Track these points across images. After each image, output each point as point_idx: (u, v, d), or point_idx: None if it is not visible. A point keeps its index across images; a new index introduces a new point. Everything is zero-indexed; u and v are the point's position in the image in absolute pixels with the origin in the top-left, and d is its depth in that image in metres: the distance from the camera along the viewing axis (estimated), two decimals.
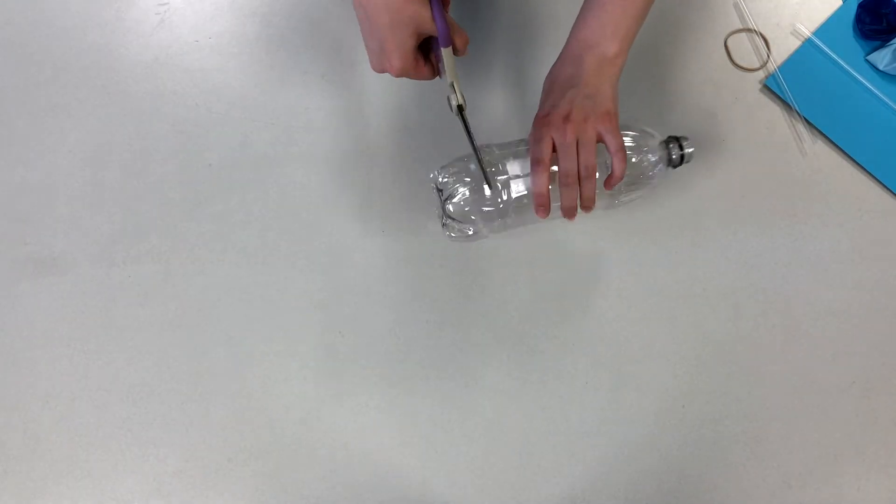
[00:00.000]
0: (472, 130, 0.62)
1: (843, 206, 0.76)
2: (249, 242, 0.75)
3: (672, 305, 0.73)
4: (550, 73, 0.64)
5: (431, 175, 0.68)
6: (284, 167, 0.77)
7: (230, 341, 0.72)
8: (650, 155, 0.67)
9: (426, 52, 0.61)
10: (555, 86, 0.62)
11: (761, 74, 0.81)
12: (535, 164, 0.62)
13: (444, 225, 0.67)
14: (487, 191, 0.64)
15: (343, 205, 0.76)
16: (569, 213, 0.64)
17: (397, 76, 0.59)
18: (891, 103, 0.79)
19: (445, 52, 0.58)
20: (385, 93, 0.78)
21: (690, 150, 0.67)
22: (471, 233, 0.68)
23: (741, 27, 0.83)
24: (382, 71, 0.60)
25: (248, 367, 0.71)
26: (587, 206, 0.63)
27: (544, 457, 0.68)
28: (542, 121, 0.62)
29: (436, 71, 0.62)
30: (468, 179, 0.66)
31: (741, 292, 0.73)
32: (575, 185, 0.62)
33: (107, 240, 0.75)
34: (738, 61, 0.81)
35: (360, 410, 0.69)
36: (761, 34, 0.82)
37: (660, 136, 0.68)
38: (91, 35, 0.82)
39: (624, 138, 0.66)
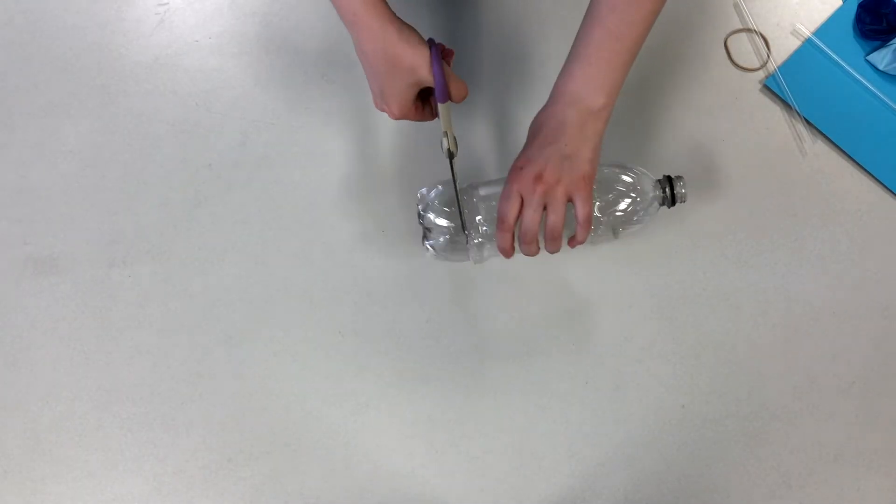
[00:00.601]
0: (458, 179, 0.63)
1: (843, 206, 0.76)
2: (249, 242, 0.75)
3: (672, 305, 0.73)
4: (535, 120, 0.62)
5: (418, 195, 0.68)
6: (284, 167, 0.77)
7: (230, 341, 0.72)
8: (644, 196, 0.67)
9: (427, 95, 0.63)
10: (536, 137, 0.61)
11: (761, 74, 0.81)
12: (500, 222, 0.61)
13: (424, 242, 0.68)
14: (464, 240, 0.65)
15: (343, 205, 0.76)
16: (530, 255, 0.64)
17: (396, 119, 0.62)
18: (891, 103, 0.79)
19: (442, 110, 0.61)
20: None
21: (683, 191, 0.67)
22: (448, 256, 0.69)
23: (741, 27, 0.83)
24: (383, 111, 0.62)
25: (248, 367, 0.71)
26: (553, 251, 0.63)
27: (544, 457, 0.68)
28: (515, 175, 0.60)
29: (436, 113, 0.64)
30: (444, 225, 0.66)
31: (741, 292, 0.73)
32: (534, 243, 0.61)
33: (107, 240, 0.75)
34: (738, 61, 0.81)
35: (360, 410, 0.69)
36: (761, 34, 0.82)
37: (653, 177, 0.68)
38: (91, 35, 0.82)
39: (623, 176, 0.66)
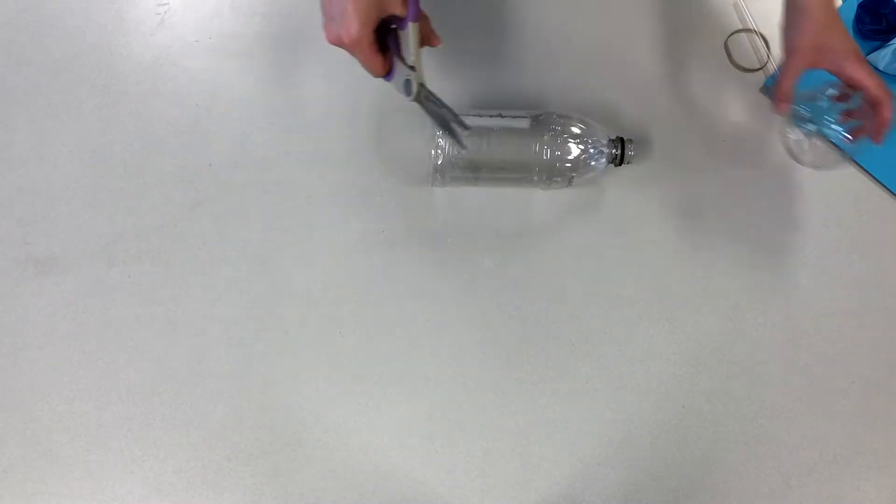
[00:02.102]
0: (440, 99, 0.62)
1: (843, 206, 0.76)
2: (249, 242, 0.75)
3: (672, 305, 0.73)
4: (835, 17, 0.67)
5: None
6: (284, 167, 0.77)
7: (230, 341, 0.72)
8: (593, 148, 0.71)
9: (384, 46, 0.60)
10: (843, 25, 0.66)
11: (761, 74, 0.81)
12: (889, 95, 0.65)
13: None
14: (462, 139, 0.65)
15: (343, 205, 0.76)
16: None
17: (351, 46, 0.56)
18: None
19: (412, 29, 0.57)
20: (385, 93, 0.78)
21: (631, 153, 0.71)
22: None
23: (741, 27, 0.83)
24: (337, 40, 0.57)
25: (248, 367, 0.71)
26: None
27: (544, 457, 0.68)
28: (863, 58, 0.66)
29: (389, 66, 0.60)
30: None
31: (741, 292, 0.73)
32: None
33: (107, 240, 0.75)
34: (738, 61, 0.81)
35: (360, 410, 0.69)
36: (761, 34, 0.82)
37: (607, 136, 0.72)
38: (91, 35, 0.82)
39: (573, 128, 0.71)
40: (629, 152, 0.72)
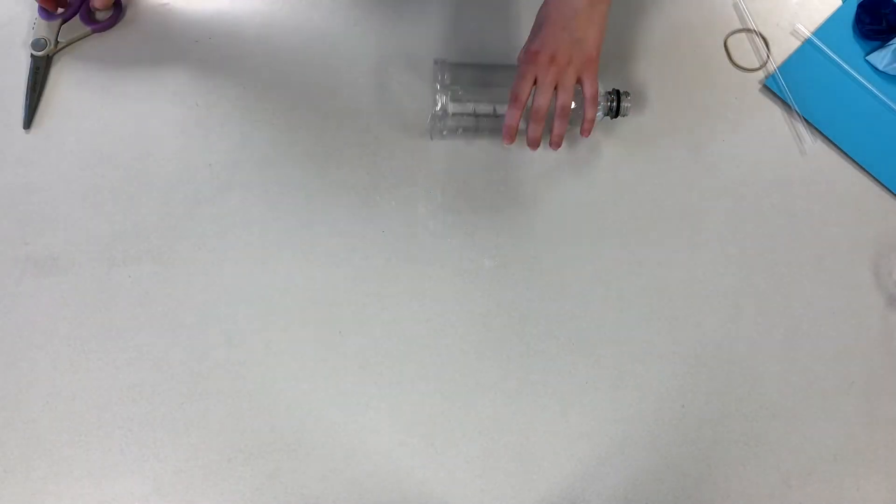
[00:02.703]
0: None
1: (843, 206, 0.76)
2: (249, 242, 0.75)
3: (672, 305, 0.73)
4: (545, 6, 0.67)
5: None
6: (284, 167, 0.77)
7: (230, 341, 0.72)
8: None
9: None
10: (547, 23, 0.66)
11: (761, 74, 0.81)
12: (514, 99, 0.66)
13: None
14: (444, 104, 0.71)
15: (343, 205, 0.76)
16: (533, 144, 0.70)
17: None
18: (891, 103, 0.79)
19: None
20: (385, 94, 0.79)
21: (627, 105, 0.73)
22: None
23: (741, 27, 0.83)
24: None
25: (248, 367, 0.71)
26: (556, 142, 0.69)
27: (544, 457, 0.68)
28: (529, 57, 0.66)
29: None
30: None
31: (741, 292, 0.73)
32: (542, 122, 0.67)
33: (107, 240, 0.75)
34: (738, 61, 0.81)
35: (360, 410, 0.69)
36: (761, 34, 0.82)
37: (604, 88, 0.73)
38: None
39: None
40: (625, 104, 0.73)
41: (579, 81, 0.67)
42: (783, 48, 0.82)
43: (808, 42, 0.81)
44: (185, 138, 0.78)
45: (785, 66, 0.80)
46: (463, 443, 0.69)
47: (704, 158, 0.78)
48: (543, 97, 0.65)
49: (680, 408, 0.70)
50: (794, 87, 0.79)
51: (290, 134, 0.78)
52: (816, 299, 0.73)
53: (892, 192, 0.77)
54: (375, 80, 0.79)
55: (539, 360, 0.71)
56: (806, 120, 0.78)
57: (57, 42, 0.81)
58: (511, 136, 0.68)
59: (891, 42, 0.79)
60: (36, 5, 0.81)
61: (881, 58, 0.79)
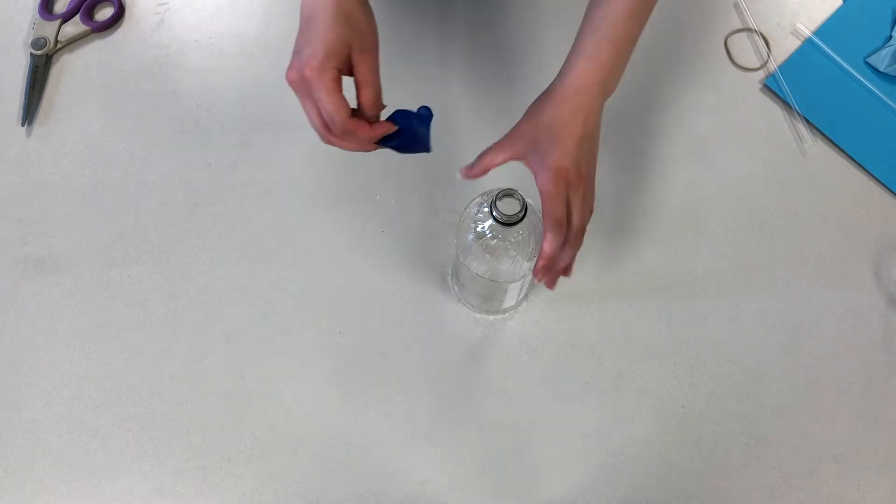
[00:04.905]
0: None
1: (843, 206, 0.76)
2: (249, 242, 0.75)
3: (672, 305, 0.73)
4: (564, 113, 0.56)
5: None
6: (284, 167, 0.77)
7: (230, 341, 0.72)
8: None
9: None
10: (575, 132, 0.56)
11: (761, 74, 0.81)
12: (558, 226, 0.55)
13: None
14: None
15: (343, 205, 0.76)
16: (566, 272, 0.60)
17: (312, 77, 0.52)
18: (891, 103, 0.79)
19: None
20: (385, 95, 0.78)
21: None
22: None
23: (741, 27, 0.83)
24: (298, 74, 0.53)
25: (248, 367, 0.71)
26: (570, 269, 0.60)
27: (544, 457, 0.68)
28: (561, 174, 0.55)
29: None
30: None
31: (741, 292, 0.73)
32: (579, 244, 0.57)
33: (107, 240, 0.75)
34: (738, 61, 0.81)
35: (360, 410, 0.69)
36: (761, 34, 0.82)
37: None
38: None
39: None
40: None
41: None
42: (783, 48, 0.82)
43: (808, 42, 0.81)
44: (185, 138, 0.78)
45: (785, 66, 0.80)
46: (463, 443, 0.69)
47: (704, 158, 0.78)
48: (584, 216, 0.57)
49: (680, 408, 0.70)
50: (794, 86, 0.79)
51: (290, 134, 0.78)
52: (816, 299, 0.73)
53: (893, 192, 0.77)
54: None
55: (539, 360, 0.71)
56: (806, 120, 0.78)
57: (57, 41, 0.81)
58: (555, 279, 0.58)
59: (891, 43, 0.79)
60: (36, 5, 0.81)
61: (881, 59, 0.79)
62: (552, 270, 0.57)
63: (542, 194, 0.55)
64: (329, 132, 0.56)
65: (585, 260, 0.74)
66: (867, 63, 0.80)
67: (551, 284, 0.59)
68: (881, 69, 0.79)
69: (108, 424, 0.69)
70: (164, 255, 0.74)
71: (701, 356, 0.71)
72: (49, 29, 0.81)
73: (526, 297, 0.71)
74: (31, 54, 0.80)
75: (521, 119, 0.59)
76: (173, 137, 0.78)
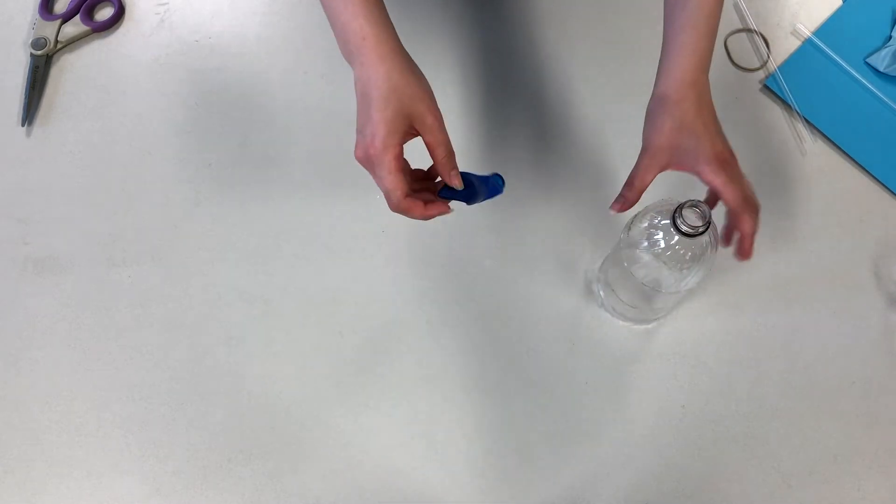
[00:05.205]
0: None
1: (843, 206, 0.76)
2: (249, 242, 0.75)
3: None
4: (685, 112, 0.59)
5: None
6: (284, 167, 0.77)
7: (230, 341, 0.72)
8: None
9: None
10: (705, 123, 0.60)
11: (761, 74, 0.81)
12: (749, 202, 0.58)
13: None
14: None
15: (343, 205, 0.76)
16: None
17: (375, 157, 0.53)
18: (891, 103, 0.79)
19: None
20: None
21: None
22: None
23: (741, 27, 0.83)
24: (364, 153, 0.54)
25: (248, 367, 0.71)
26: (751, 248, 0.60)
27: (544, 457, 0.68)
28: (722, 159, 0.59)
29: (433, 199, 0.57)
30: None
31: (741, 291, 0.73)
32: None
33: (107, 240, 0.75)
34: (738, 61, 0.81)
35: (360, 410, 0.69)
36: (761, 34, 0.82)
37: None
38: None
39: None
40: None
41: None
42: (783, 48, 0.82)
43: (808, 42, 0.81)
44: (185, 138, 0.78)
45: (785, 66, 0.80)
46: (463, 443, 0.69)
47: None
48: (749, 185, 0.60)
49: (680, 408, 0.70)
50: (794, 86, 0.79)
51: (290, 134, 0.78)
52: (816, 299, 0.73)
53: (893, 192, 0.77)
54: None
55: (539, 360, 0.71)
56: (806, 120, 0.78)
57: (57, 41, 0.81)
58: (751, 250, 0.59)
59: (890, 43, 0.79)
60: (36, 5, 0.81)
61: (881, 59, 0.79)
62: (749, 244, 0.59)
63: (715, 186, 0.58)
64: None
65: (585, 259, 0.74)
66: (867, 63, 0.80)
67: (750, 254, 0.60)
68: (881, 69, 0.79)
69: (108, 424, 0.69)
70: (164, 255, 0.74)
71: (701, 356, 0.71)
72: (49, 29, 0.81)
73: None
74: (31, 54, 0.80)
75: (647, 131, 0.61)
76: (173, 137, 0.78)
